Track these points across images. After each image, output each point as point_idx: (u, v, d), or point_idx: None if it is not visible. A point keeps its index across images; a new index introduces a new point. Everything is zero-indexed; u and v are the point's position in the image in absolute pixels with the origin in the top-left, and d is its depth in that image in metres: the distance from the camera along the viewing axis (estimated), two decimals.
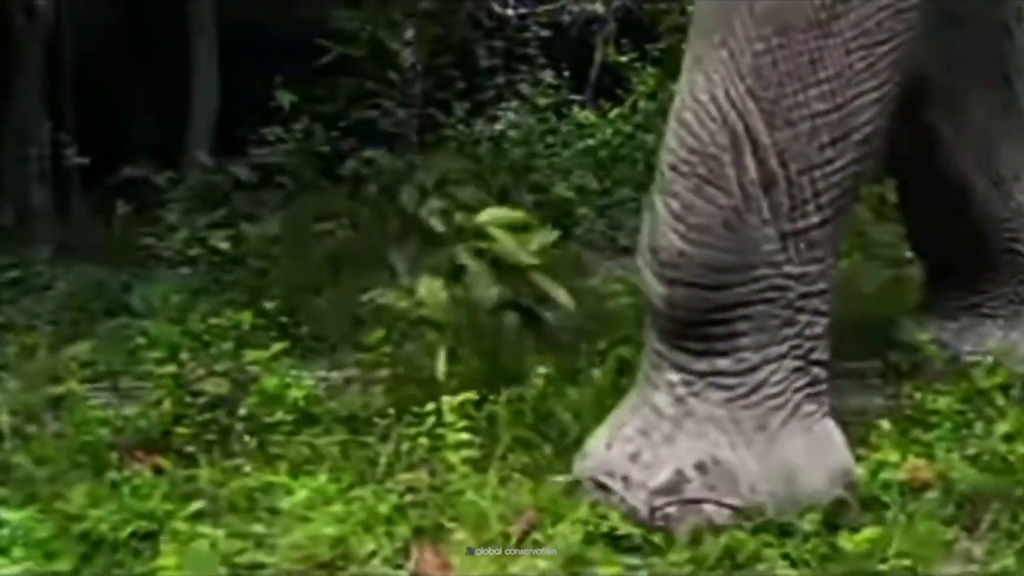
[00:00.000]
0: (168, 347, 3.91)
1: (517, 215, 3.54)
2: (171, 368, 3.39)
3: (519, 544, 2.37)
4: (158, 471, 2.83)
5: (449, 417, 2.71)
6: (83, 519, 2.50)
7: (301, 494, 2.47)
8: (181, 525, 2.46)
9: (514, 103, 9.78)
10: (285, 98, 6.74)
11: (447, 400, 2.74)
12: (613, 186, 8.01)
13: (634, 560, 2.32)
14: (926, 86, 3.41)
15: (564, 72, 10.13)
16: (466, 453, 2.67)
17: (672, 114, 2.67)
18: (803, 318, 2.56)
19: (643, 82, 9.93)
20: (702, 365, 2.55)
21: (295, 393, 3.17)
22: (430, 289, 3.19)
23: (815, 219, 2.57)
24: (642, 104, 9.78)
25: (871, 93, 2.55)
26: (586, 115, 9.74)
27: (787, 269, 2.55)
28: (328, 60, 6.49)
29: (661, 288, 2.59)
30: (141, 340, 3.85)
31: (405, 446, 2.82)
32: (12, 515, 2.34)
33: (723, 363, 2.54)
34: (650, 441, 2.53)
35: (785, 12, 2.49)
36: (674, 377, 2.57)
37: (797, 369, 2.54)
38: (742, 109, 2.52)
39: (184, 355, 3.55)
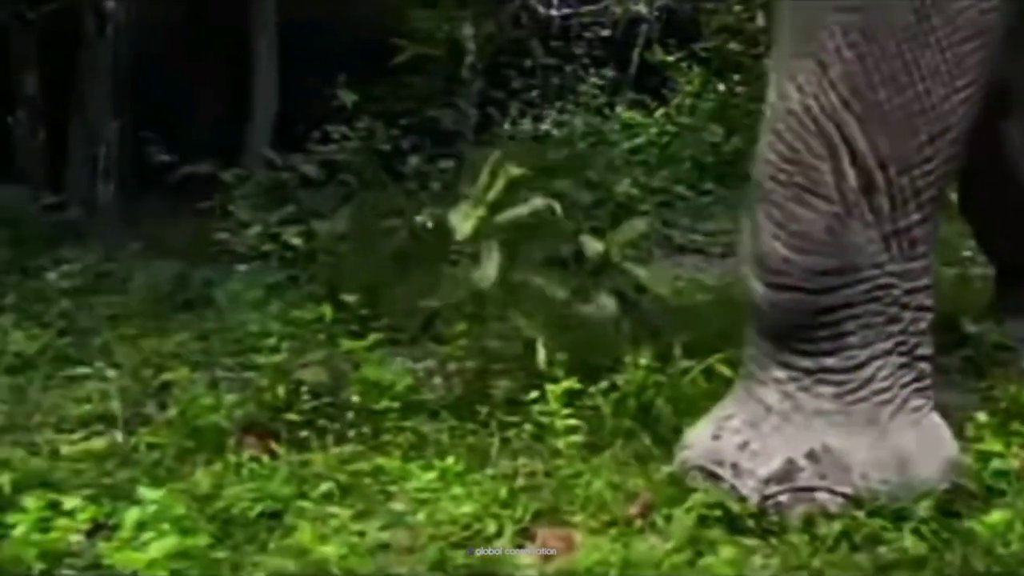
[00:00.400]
0: (261, 337, 4.06)
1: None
2: (275, 357, 3.52)
3: (637, 526, 2.47)
4: (272, 455, 2.95)
5: (554, 404, 2.81)
6: (215, 499, 2.62)
7: (427, 476, 2.58)
8: (308, 505, 2.57)
9: (558, 103, 9.89)
10: (348, 97, 6.86)
11: (552, 388, 2.83)
12: (668, 185, 8.09)
13: (752, 542, 2.41)
14: (1002, 88, 3.48)
15: (608, 72, 10.22)
16: (573, 439, 2.77)
17: (765, 125, 2.74)
18: (907, 315, 2.64)
19: (689, 81, 10.02)
20: (809, 363, 2.63)
21: (396, 381, 3.28)
22: (524, 280, 3.28)
23: (915, 217, 2.64)
24: (688, 103, 9.87)
25: (963, 91, 2.62)
26: (631, 115, 9.82)
27: (890, 268, 2.62)
28: (402, 59, 6.57)
29: (767, 293, 2.67)
30: (240, 331, 3.97)
31: (510, 433, 2.93)
32: (151, 494, 2.45)
33: (830, 361, 2.61)
34: (759, 432, 2.62)
35: (874, 20, 2.56)
36: (781, 374, 2.66)
37: (903, 365, 2.62)
38: (837, 119, 2.59)
39: (284, 345, 3.69)
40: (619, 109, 9.92)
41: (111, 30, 7.31)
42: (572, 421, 2.78)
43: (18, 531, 2.25)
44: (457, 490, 2.56)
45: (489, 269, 3.14)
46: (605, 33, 10.61)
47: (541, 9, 10.80)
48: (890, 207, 2.61)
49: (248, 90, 8.15)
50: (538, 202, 3.31)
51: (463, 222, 3.20)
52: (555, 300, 3.29)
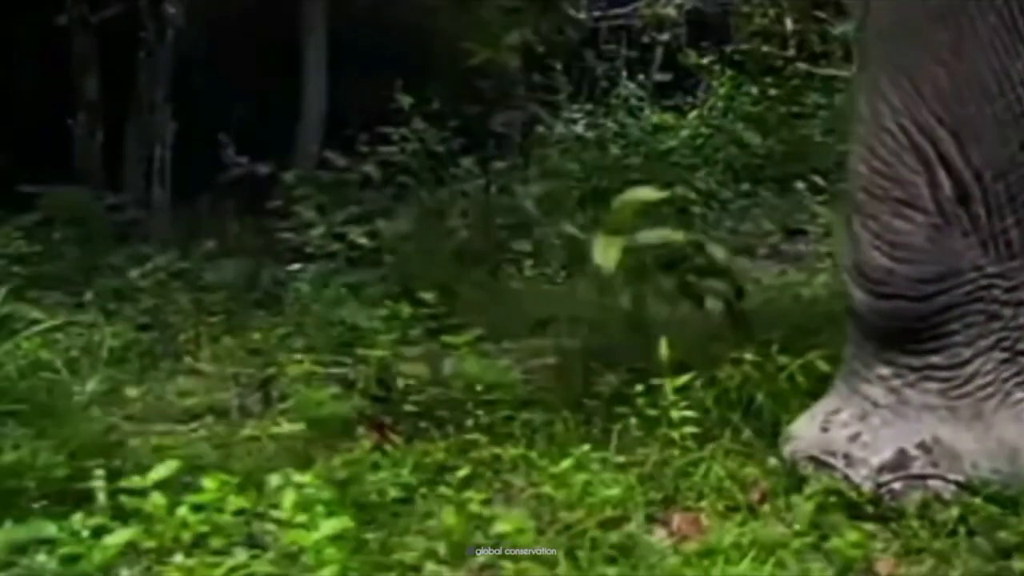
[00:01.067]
0: (354, 332, 4.23)
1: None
2: (374, 352, 3.67)
3: (758, 511, 2.62)
4: (392, 445, 3.10)
5: (671, 396, 2.96)
6: (352, 484, 2.76)
7: (566, 462, 2.73)
8: (446, 491, 2.73)
9: (589, 105, 10.03)
10: (405, 100, 7.01)
11: (668, 381, 2.98)
12: (706, 187, 8.22)
13: (872, 527, 2.55)
14: None
15: (638, 75, 10.36)
16: (688, 430, 2.92)
17: (857, 141, 2.88)
18: (1008, 311, 2.78)
19: (721, 84, 10.15)
20: (915, 361, 2.77)
21: (501, 376, 3.44)
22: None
23: (1010, 220, 2.78)
24: (720, 105, 10.00)
25: None
26: (664, 117, 9.95)
27: (990, 270, 2.76)
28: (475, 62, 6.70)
29: (870, 301, 2.81)
30: (338, 327, 4.13)
31: (619, 425, 3.07)
32: (301, 478, 2.60)
33: (935, 359, 2.75)
34: (869, 425, 2.77)
35: (963, 37, 2.69)
36: (886, 371, 2.80)
37: (1005, 360, 2.76)
38: (932, 135, 2.72)
39: (382, 339, 3.85)
40: (650, 112, 10.05)
41: (171, 34, 7.47)
42: (688, 413, 2.93)
43: (185, 509, 2.39)
44: (596, 475, 2.71)
45: (608, 259, 3.26)
46: (633, 36, 10.76)
47: (572, 13, 10.94)
48: (987, 214, 2.75)
49: (298, 90, 8.32)
50: (668, 232, 3.42)
51: (606, 255, 3.30)
52: (665, 299, 3.44)
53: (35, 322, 3.88)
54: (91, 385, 3.36)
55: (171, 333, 4.68)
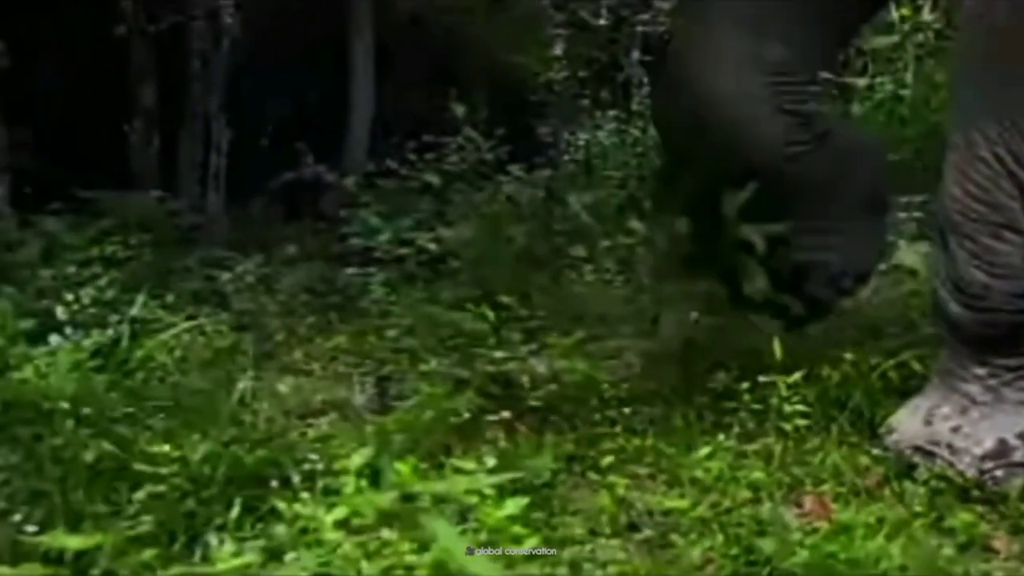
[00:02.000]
0: (454, 332, 4.51)
1: None
2: (486, 351, 3.97)
3: (875, 495, 2.92)
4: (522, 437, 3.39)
5: (784, 392, 3.26)
6: (506, 469, 3.04)
7: (704, 450, 3.04)
8: (593, 475, 3.02)
9: (612, 111, 10.33)
10: (458, 108, 7.30)
11: (781, 378, 3.28)
12: None
13: (981, 509, 2.86)
14: None
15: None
16: (800, 422, 3.23)
17: (950, 165, 3.16)
18: None
19: None
20: (1011, 362, 3.08)
21: (610, 373, 3.74)
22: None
23: None
24: None
25: None
26: None
27: None
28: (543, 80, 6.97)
29: (966, 313, 3.11)
30: (444, 328, 4.42)
31: (732, 419, 3.38)
32: (467, 464, 2.87)
33: None
34: (969, 419, 3.07)
35: None
36: (982, 371, 3.11)
37: None
38: None
39: (491, 340, 4.13)
40: None
41: (226, 44, 7.73)
42: (800, 407, 3.23)
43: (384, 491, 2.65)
44: (730, 462, 3.02)
45: (759, 283, 3.56)
46: (650, 42, 11.04)
47: (591, 19, 11.26)
48: None
49: (346, 96, 8.59)
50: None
51: (756, 283, 3.59)
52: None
53: (151, 322, 4.14)
54: (243, 382, 3.61)
55: (266, 334, 4.94)
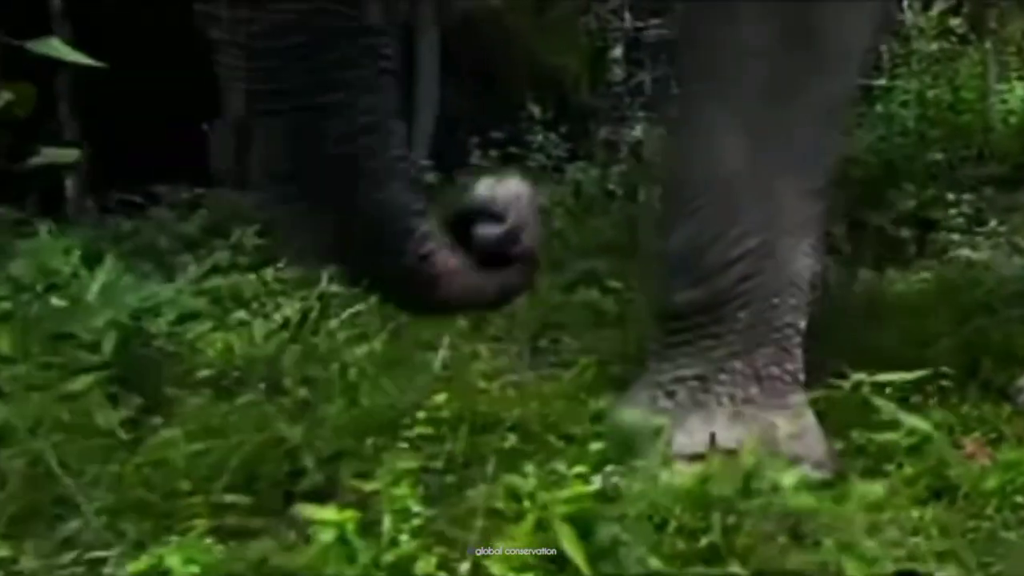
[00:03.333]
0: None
1: None
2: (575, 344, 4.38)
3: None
4: None
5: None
6: None
7: None
8: None
9: (641, 113, 10.77)
10: (533, 108, 7.71)
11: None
12: None
13: None
14: None
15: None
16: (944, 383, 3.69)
17: None
18: None
19: None
20: None
21: None
22: None
23: None
24: None
25: None
26: None
27: None
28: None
29: None
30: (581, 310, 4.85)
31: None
32: None
33: None
34: None
35: None
36: None
37: None
38: None
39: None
40: None
41: None
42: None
43: None
44: None
45: None
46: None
47: (617, 22, 11.71)
48: None
49: (411, 93, 8.89)
50: None
51: None
52: None
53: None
54: (441, 354, 3.95)
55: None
